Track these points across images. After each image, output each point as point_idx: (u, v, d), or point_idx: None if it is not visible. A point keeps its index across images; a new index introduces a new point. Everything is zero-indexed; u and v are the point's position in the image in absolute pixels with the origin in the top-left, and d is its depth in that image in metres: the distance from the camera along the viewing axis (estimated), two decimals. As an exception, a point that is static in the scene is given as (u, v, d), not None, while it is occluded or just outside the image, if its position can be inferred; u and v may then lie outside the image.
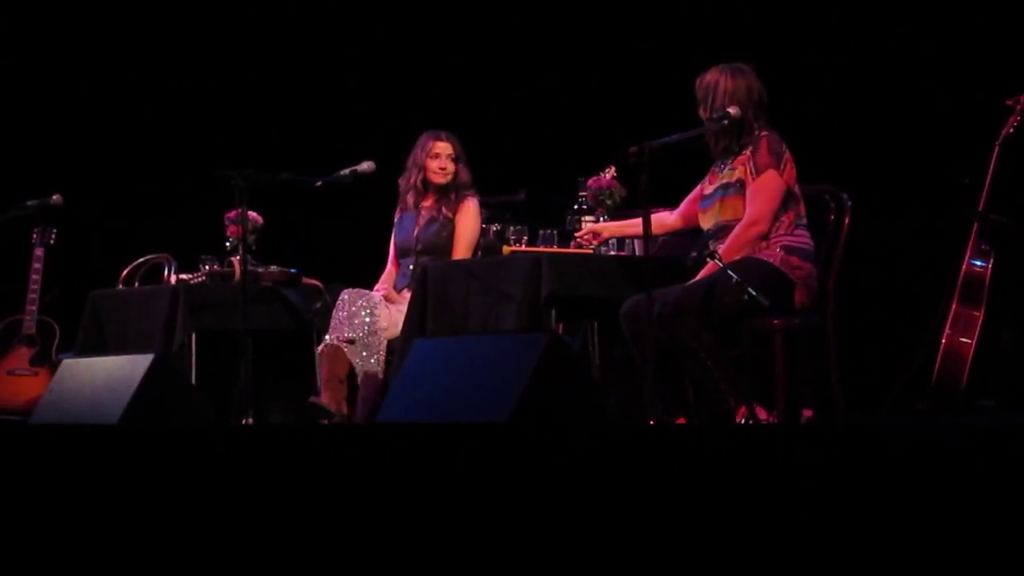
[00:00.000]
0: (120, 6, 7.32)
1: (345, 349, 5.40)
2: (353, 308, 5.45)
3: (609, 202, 5.10)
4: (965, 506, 2.84)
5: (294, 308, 5.77)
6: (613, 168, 5.12)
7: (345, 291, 5.51)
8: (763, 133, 4.81)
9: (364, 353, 5.41)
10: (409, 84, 7.20)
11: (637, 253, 5.08)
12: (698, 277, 4.74)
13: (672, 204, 5.10)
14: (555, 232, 5.19)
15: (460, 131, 5.80)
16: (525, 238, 5.18)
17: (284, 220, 6.26)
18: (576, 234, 5.13)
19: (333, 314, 5.48)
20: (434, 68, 7.14)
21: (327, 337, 5.45)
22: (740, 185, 4.78)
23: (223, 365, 5.65)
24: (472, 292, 5.01)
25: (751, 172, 4.76)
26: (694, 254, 4.85)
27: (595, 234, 5.09)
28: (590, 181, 5.17)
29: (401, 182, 5.79)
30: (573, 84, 6.87)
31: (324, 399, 5.40)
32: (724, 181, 4.84)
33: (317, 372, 5.47)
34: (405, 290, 5.61)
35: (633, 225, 5.02)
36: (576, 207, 5.23)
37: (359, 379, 5.43)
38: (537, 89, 6.91)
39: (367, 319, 5.43)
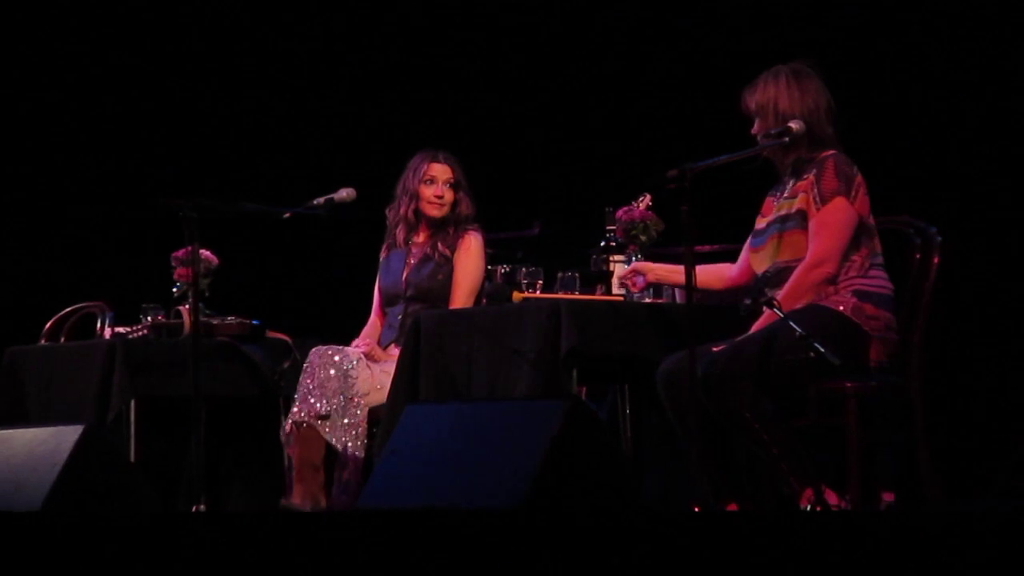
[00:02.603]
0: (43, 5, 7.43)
1: (318, 426, 5.39)
2: (324, 372, 5.42)
3: (643, 238, 5.08)
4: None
5: (257, 368, 5.77)
6: (648, 197, 5.11)
7: (315, 350, 5.48)
8: (828, 153, 4.81)
9: (341, 427, 5.39)
10: (400, 96, 7.27)
11: (678, 300, 5.05)
12: (752, 330, 4.72)
13: (718, 240, 5.17)
14: (576, 275, 5.14)
15: (461, 152, 5.78)
16: (540, 282, 5.15)
17: (245, 260, 6.37)
18: (617, 275, 5.09)
19: (300, 381, 5.46)
20: (431, 77, 7.21)
21: (293, 410, 5.43)
22: (801, 217, 4.78)
23: (170, 439, 5.66)
24: (475, 348, 4.98)
25: (815, 201, 4.76)
26: (747, 302, 4.82)
27: (639, 273, 5.04)
28: (620, 212, 5.14)
29: (389, 213, 5.78)
30: (597, 97, 6.92)
31: (296, 498, 5.39)
32: (782, 213, 4.84)
33: (285, 457, 5.45)
34: (392, 346, 5.58)
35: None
36: (603, 244, 5.20)
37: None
38: (553, 103, 6.97)
39: (343, 383, 5.41)
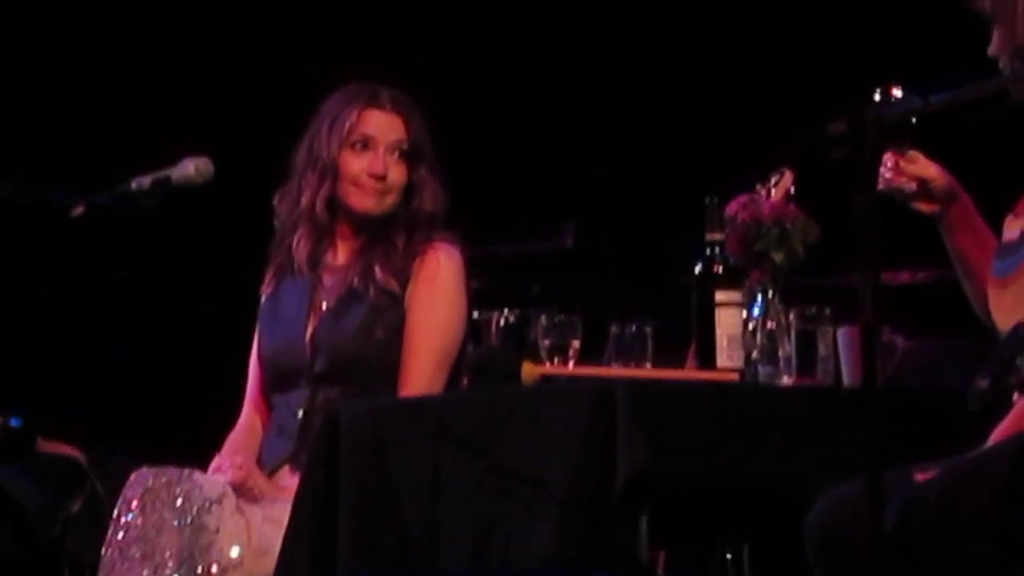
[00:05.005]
0: None
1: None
2: (155, 518, 5.68)
3: (778, 256, 5.26)
4: None
5: (19, 512, 5.99)
6: (789, 175, 5.26)
7: (136, 476, 5.75)
8: None
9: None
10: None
11: (847, 379, 5.21)
12: (991, 441, 4.86)
13: (929, 262, 5.75)
14: (648, 330, 5.33)
15: (427, 97, 6.10)
16: (575, 343, 5.34)
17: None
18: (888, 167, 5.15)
19: (108, 538, 5.70)
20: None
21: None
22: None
23: None
24: (447, 474, 5.16)
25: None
26: (984, 384, 4.76)
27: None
28: (733, 207, 5.32)
29: (280, 206, 6.03)
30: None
31: None
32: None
33: None
34: (286, 469, 5.90)
35: (973, 228, 5.24)
36: (700, 266, 5.37)
37: None
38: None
39: (189, 541, 5.63)
